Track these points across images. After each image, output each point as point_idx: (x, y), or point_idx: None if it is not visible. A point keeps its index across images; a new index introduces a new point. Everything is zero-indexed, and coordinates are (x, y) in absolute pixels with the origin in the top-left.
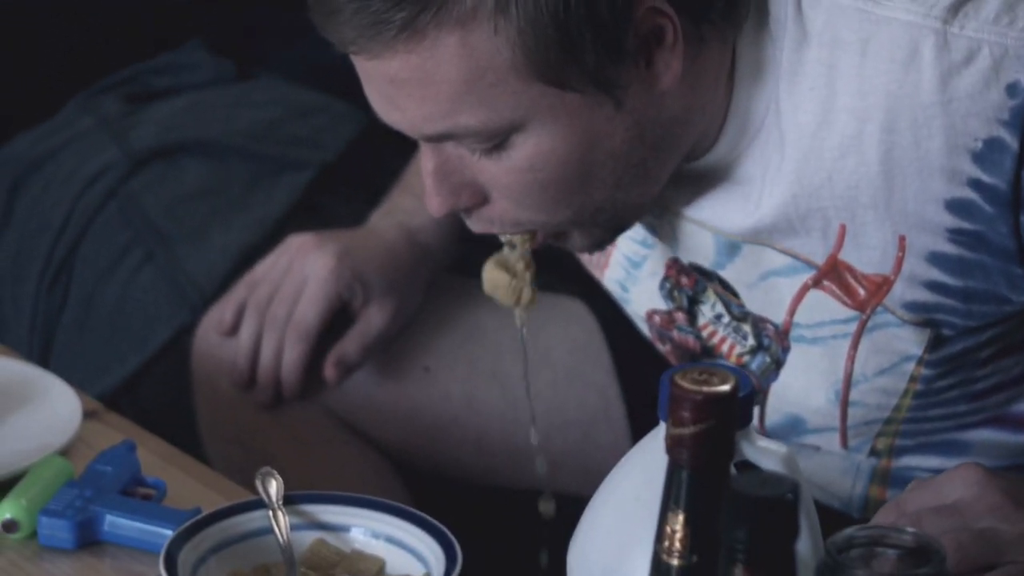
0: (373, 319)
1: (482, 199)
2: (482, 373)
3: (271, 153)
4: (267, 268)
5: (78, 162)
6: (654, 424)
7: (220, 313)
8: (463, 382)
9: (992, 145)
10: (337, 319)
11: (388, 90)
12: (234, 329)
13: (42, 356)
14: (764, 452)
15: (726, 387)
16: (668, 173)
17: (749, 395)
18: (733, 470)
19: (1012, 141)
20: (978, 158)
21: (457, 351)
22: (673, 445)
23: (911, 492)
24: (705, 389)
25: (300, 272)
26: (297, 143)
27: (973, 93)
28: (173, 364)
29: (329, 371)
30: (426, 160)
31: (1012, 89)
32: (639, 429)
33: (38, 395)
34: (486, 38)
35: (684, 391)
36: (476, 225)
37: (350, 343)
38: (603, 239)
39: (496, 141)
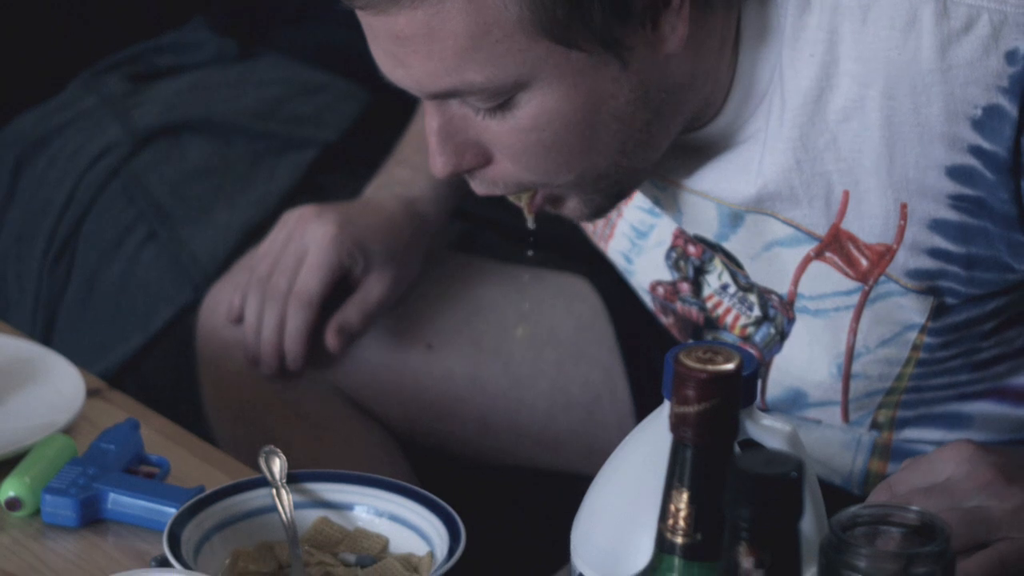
0: (373, 287)
1: (486, 160)
2: (485, 351)
3: (274, 132)
4: (267, 245)
5: (82, 141)
6: (658, 402)
7: (226, 298)
8: (466, 360)
9: (992, 112)
10: (338, 291)
11: (393, 47)
12: (242, 314)
13: (45, 334)
14: (768, 430)
15: (730, 366)
16: (670, 139)
17: (753, 374)
18: (737, 448)
19: (1011, 108)
20: (978, 125)
21: (460, 329)
22: (677, 423)
23: (903, 471)
24: (709, 368)
25: (300, 242)
26: (300, 122)
27: (972, 60)
28: (176, 342)
29: (331, 339)
30: (430, 119)
31: (1011, 56)
32: (643, 407)
33: (41, 373)
34: None
35: (688, 370)
36: (480, 187)
37: (351, 311)
38: (602, 206)
39: (501, 99)
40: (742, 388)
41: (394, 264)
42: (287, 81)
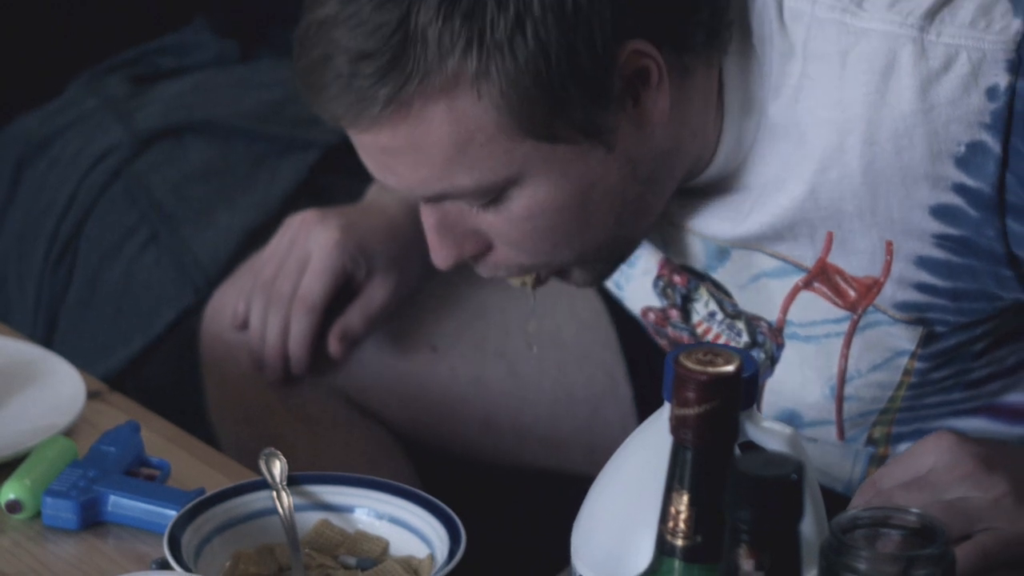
0: (376, 292)
1: (486, 247)
2: (489, 352)
3: (276, 133)
4: (270, 249)
5: (83, 142)
6: (660, 404)
7: (230, 302)
8: (470, 361)
9: (975, 149)
10: (342, 296)
11: (381, 158)
12: (247, 320)
13: (46, 336)
14: (768, 433)
15: (730, 368)
16: (665, 200)
17: (753, 376)
18: (737, 450)
19: (994, 144)
20: (961, 162)
21: (464, 330)
22: (677, 425)
23: (886, 466)
24: (710, 370)
25: (303, 247)
26: (301, 123)
27: (953, 99)
28: (178, 345)
29: (333, 344)
30: (426, 216)
31: (992, 93)
32: (645, 409)
33: (42, 375)
34: (471, 103)
35: (688, 371)
36: (484, 271)
37: (353, 316)
38: (604, 273)
39: (493, 196)
40: (742, 390)
41: (397, 268)
42: (289, 83)
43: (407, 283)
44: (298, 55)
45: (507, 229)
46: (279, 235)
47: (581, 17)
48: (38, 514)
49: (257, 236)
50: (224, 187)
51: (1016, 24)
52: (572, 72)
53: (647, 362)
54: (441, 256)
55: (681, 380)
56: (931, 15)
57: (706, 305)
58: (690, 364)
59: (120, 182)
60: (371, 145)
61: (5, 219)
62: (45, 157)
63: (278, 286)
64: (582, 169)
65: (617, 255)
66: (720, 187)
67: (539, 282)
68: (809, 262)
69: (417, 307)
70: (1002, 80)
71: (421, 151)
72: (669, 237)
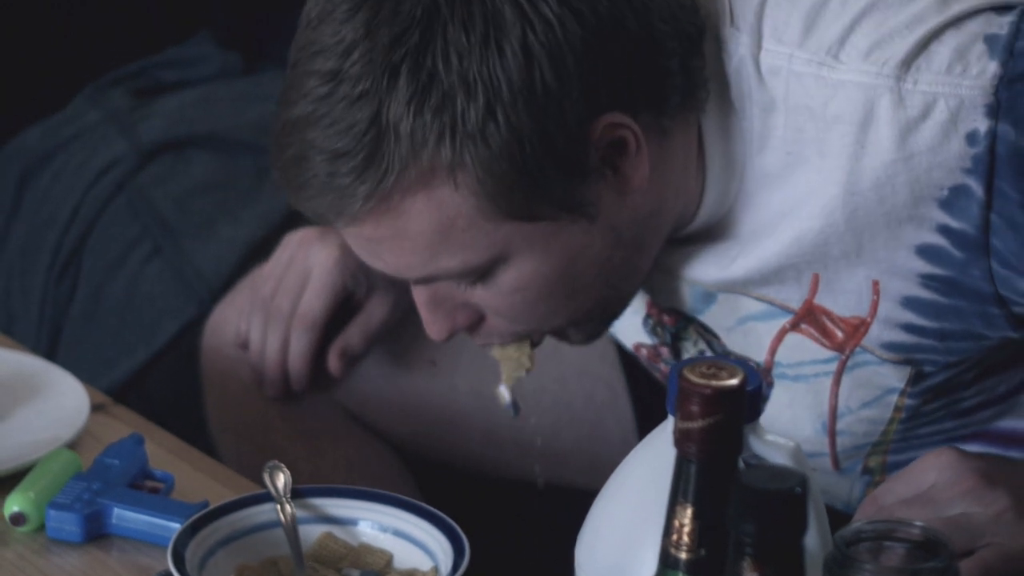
0: (375, 309)
1: (479, 317)
2: (488, 366)
3: None
4: (270, 267)
5: (86, 155)
6: (661, 418)
7: (229, 318)
8: (469, 375)
9: (958, 192)
10: (341, 313)
11: (367, 246)
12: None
13: (50, 349)
14: (772, 446)
15: (734, 381)
16: (653, 258)
17: (757, 389)
18: (741, 464)
19: (977, 188)
20: (945, 205)
21: (463, 344)
22: (681, 439)
23: (888, 482)
24: (714, 383)
25: (303, 265)
26: None
27: (934, 146)
28: (181, 358)
29: (333, 362)
30: (418, 295)
31: (972, 138)
32: (646, 423)
33: (46, 388)
34: (449, 192)
35: (693, 385)
36: (479, 340)
37: (353, 333)
38: (598, 331)
39: (480, 275)
40: (746, 403)
41: (396, 286)
42: None
43: (406, 300)
44: (274, 154)
45: (497, 303)
46: (278, 252)
47: (551, 99)
48: (42, 527)
49: (260, 249)
50: (227, 200)
51: (993, 67)
52: (547, 153)
53: (647, 376)
54: (435, 329)
55: (685, 393)
56: (907, 63)
57: (695, 344)
58: (694, 377)
59: (123, 195)
60: (357, 235)
61: (9, 232)
62: (48, 170)
63: (278, 303)
64: (566, 242)
65: (609, 314)
66: (706, 235)
67: (535, 345)
68: (795, 304)
69: (416, 322)
70: (981, 125)
71: (405, 240)
72: (655, 282)
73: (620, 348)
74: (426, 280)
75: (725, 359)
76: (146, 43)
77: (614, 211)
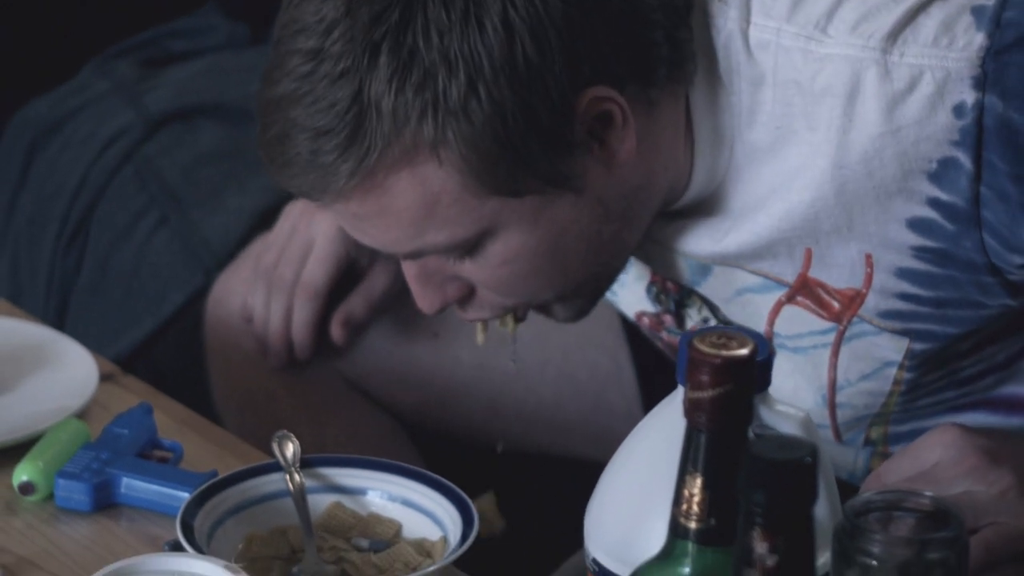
0: (378, 278)
1: (469, 291)
2: (492, 337)
3: None
4: (273, 236)
5: (94, 125)
6: (666, 389)
7: (233, 289)
8: (473, 347)
9: (947, 164)
10: (344, 281)
11: (354, 222)
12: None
13: (58, 319)
14: (782, 416)
15: (744, 351)
16: (642, 233)
17: (767, 359)
18: (751, 434)
19: (966, 160)
20: (934, 177)
21: None
22: (691, 409)
23: (891, 460)
24: (724, 353)
25: (306, 234)
26: None
27: (921, 119)
28: (188, 327)
29: (336, 330)
30: (407, 268)
31: (959, 110)
32: (650, 394)
33: (54, 358)
34: (433, 168)
35: (703, 355)
36: (470, 314)
37: (356, 302)
38: (585, 308)
39: (467, 249)
40: (756, 373)
41: None
42: None
43: None
44: (259, 132)
45: (486, 276)
46: (280, 222)
47: (534, 74)
48: (51, 496)
49: (267, 219)
50: (234, 170)
51: (979, 38)
52: (530, 128)
53: (651, 347)
54: (426, 303)
55: (695, 363)
56: (893, 36)
57: (699, 311)
58: (704, 347)
59: (131, 165)
60: (343, 212)
61: (16, 202)
62: (56, 141)
63: (280, 272)
64: (553, 215)
65: (598, 290)
66: (698, 210)
67: (518, 320)
68: (790, 277)
69: None
70: (968, 97)
71: (390, 216)
72: (652, 254)
73: (624, 320)
74: (414, 255)
75: (735, 329)
76: (154, 13)
77: (601, 184)
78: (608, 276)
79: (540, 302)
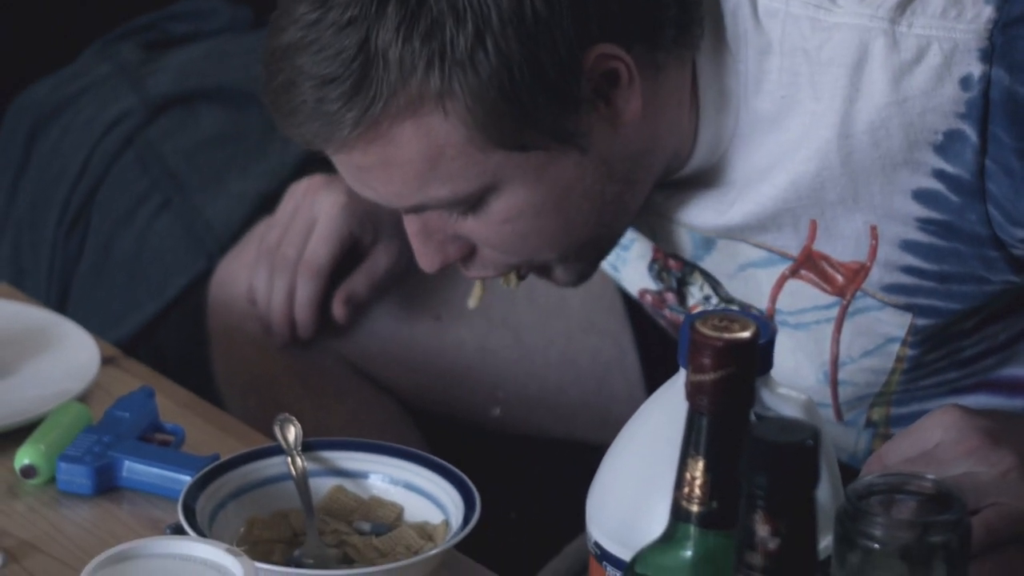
0: (380, 257)
1: (470, 250)
2: (494, 321)
3: None
4: (277, 216)
5: (96, 109)
6: (668, 373)
7: (236, 272)
8: (475, 330)
9: (952, 137)
10: (348, 261)
11: (357, 174)
12: None
13: (60, 302)
14: (784, 399)
15: (746, 334)
16: (644, 197)
17: (769, 342)
18: (753, 416)
19: (971, 133)
20: (940, 149)
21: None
22: (693, 392)
23: (893, 441)
24: (725, 336)
25: (309, 212)
26: None
27: (927, 90)
28: (190, 311)
29: (337, 309)
30: (409, 224)
31: (966, 82)
32: (653, 378)
33: (56, 341)
34: (438, 120)
35: (705, 338)
36: (471, 272)
37: (358, 280)
38: (586, 272)
39: (470, 204)
40: (758, 356)
41: (400, 234)
42: None
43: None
44: (264, 80)
45: (488, 234)
46: (284, 202)
47: (542, 27)
48: (53, 479)
49: (269, 202)
50: (237, 153)
51: (988, 11)
52: (537, 82)
53: (654, 331)
54: (426, 261)
55: (697, 346)
56: (902, 7)
57: (701, 288)
58: (706, 330)
59: (132, 149)
60: (346, 163)
61: (18, 186)
62: (58, 124)
63: (283, 251)
64: (557, 173)
65: (597, 253)
66: (703, 180)
67: (521, 278)
68: (794, 251)
69: (422, 276)
70: (975, 69)
71: (394, 168)
72: (656, 227)
73: (626, 303)
74: (416, 209)
75: (737, 311)
76: None
77: (606, 144)
78: (609, 239)
79: (541, 262)
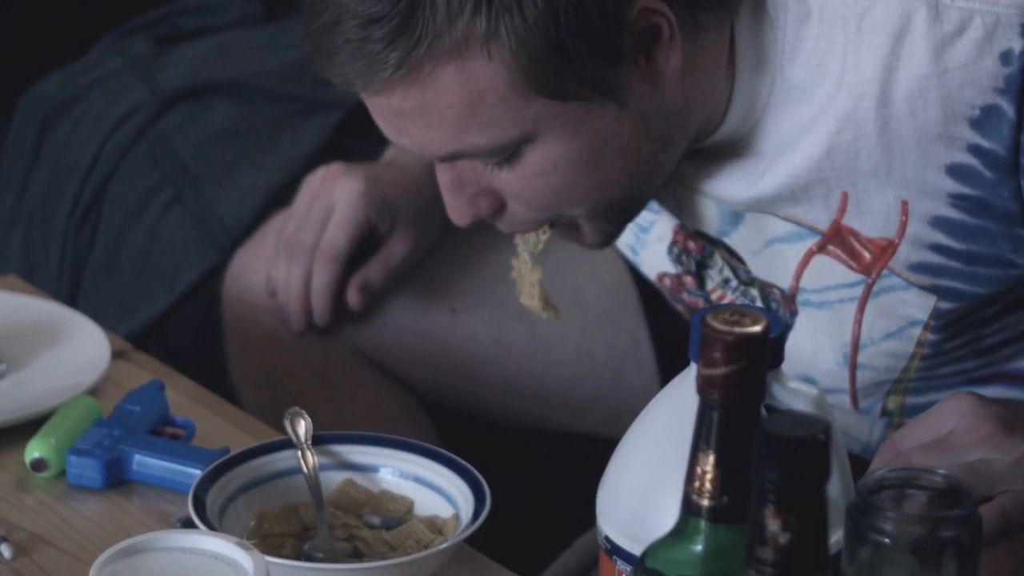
0: (396, 245)
1: (501, 205)
2: (509, 314)
3: (299, 94)
4: (295, 206)
5: (107, 103)
6: (683, 366)
7: (251, 264)
8: (490, 323)
9: (989, 112)
10: (365, 248)
11: (394, 120)
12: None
13: (70, 296)
14: (795, 393)
15: (757, 328)
16: (676, 160)
17: (780, 336)
18: (764, 411)
19: (1009, 108)
20: (976, 124)
21: (484, 292)
22: (704, 386)
23: (906, 428)
24: (736, 330)
25: (327, 199)
26: (325, 84)
27: (967, 63)
28: (201, 305)
29: (352, 296)
30: (442, 175)
31: (1006, 57)
32: (668, 371)
33: (67, 335)
34: (481, 64)
35: (716, 332)
36: (503, 227)
37: (374, 269)
38: (612, 234)
39: (507, 154)
40: (769, 350)
41: (418, 223)
42: None
43: (427, 238)
44: (307, 21)
45: (520, 186)
46: (301, 191)
47: None
48: (63, 473)
49: (280, 196)
50: (247, 147)
51: None
52: (582, 30)
53: (669, 324)
54: (458, 214)
55: (708, 340)
56: None
57: (720, 272)
58: (717, 324)
59: (144, 143)
60: (384, 108)
61: (29, 180)
62: (69, 118)
63: (301, 237)
64: (595, 126)
65: (627, 214)
66: (734, 149)
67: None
68: (823, 225)
69: (437, 269)
70: (1016, 45)
71: (433, 113)
72: (683, 200)
73: (641, 296)
74: (452, 157)
75: (748, 306)
76: None
77: (644, 101)
78: (639, 200)
79: (570, 219)
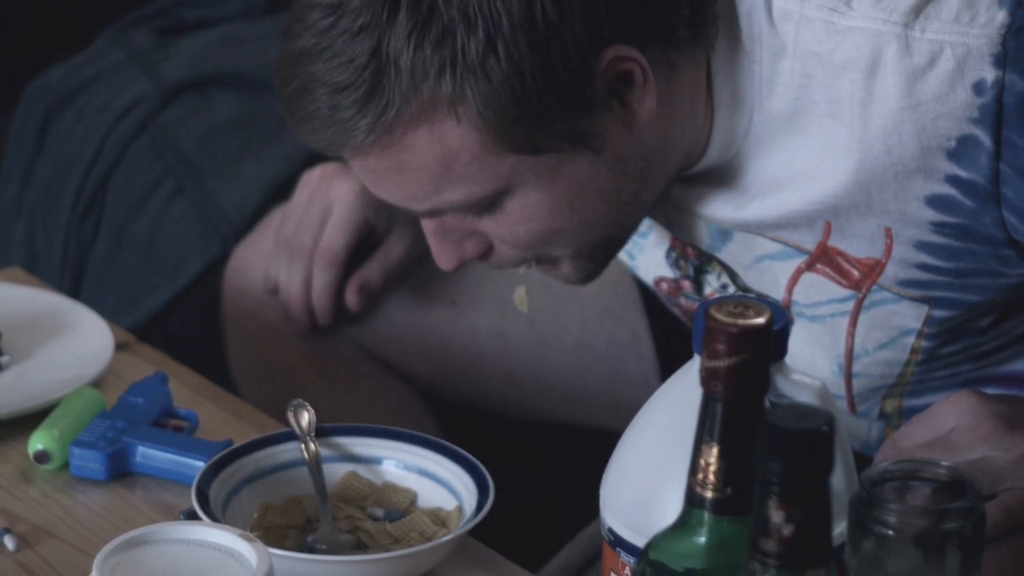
0: (394, 245)
1: (487, 247)
2: (509, 307)
3: None
4: (292, 205)
5: (110, 95)
6: (683, 359)
7: (251, 259)
8: (491, 317)
9: (966, 142)
10: (364, 247)
11: (371, 178)
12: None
13: (73, 288)
14: (798, 385)
15: (761, 320)
16: (658, 195)
17: (784, 328)
18: (767, 403)
19: (985, 138)
20: (953, 155)
21: (484, 285)
22: (708, 377)
23: (908, 426)
24: (740, 322)
25: (324, 199)
26: None
27: (940, 95)
28: (204, 297)
29: (351, 297)
30: (426, 225)
31: (979, 87)
32: (668, 364)
33: (70, 327)
34: (451, 126)
35: (719, 324)
36: (491, 266)
37: (372, 269)
38: (593, 271)
39: (485, 206)
40: (773, 342)
41: (414, 223)
42: None
43: (424, 238)
44: (279, 86)
45: (503, 232)
46: (298, 190)
47: (552, 32)
48: (66, 465)
49: (283, 189)
50: (250, 139)
51: (1001, 16)
52: (548, 87)
53: (669, 318)
54: (444, 259)
55: (711, 332)
56: (916, 11)
57: (718, 277)
58: (721, 316)
59: (146, 135)
60: (361, 167)
61: (32, 172)
62: (71, 110)
63: (299, 239)
64: (570, 174)
65: (608, 253)
66: (719, 177)
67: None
68: (810, 245)
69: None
70: (988, 74)
71: (408, 173)
72: (673, 217)
73: (642, 289)
74: (432, 213)
75: (752, 298)
76: None
77: (621, 144)
78: (621, 239)
79: (554, 258)
